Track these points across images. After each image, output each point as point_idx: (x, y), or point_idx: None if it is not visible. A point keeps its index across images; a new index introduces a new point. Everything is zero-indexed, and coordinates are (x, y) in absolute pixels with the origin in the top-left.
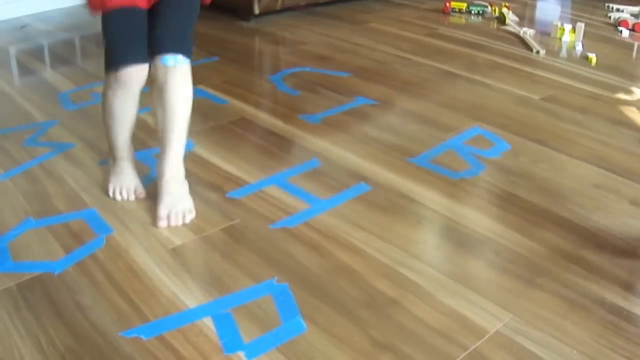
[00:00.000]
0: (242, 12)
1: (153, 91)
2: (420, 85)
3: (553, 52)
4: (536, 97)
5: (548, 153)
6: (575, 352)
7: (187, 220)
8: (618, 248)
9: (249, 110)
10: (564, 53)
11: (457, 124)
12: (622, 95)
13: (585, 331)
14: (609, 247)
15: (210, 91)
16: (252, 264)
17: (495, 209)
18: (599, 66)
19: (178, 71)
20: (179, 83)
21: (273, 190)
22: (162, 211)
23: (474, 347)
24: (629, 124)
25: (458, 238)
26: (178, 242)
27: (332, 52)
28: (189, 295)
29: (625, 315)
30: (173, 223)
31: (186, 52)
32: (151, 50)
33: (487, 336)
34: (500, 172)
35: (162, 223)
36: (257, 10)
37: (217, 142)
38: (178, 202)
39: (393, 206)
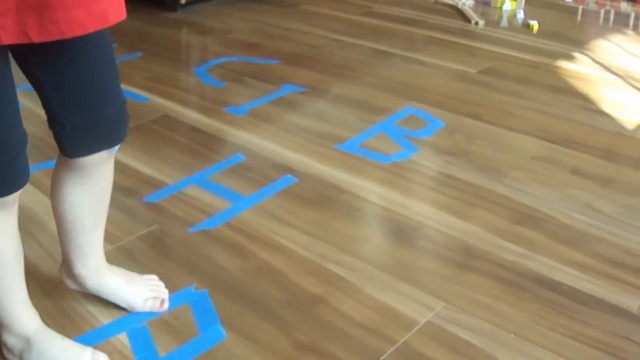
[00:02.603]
0: (169, 2)
1: (62, 176)
2: (353, 68)
3: (493, 22)
4: (473, 71)
5: (484, 128)
6: (512, 336)
7: (167, 296)
8: (558, 221)
9: (172, 106)
10: (504, 22)
11: (390, 106)
12: (564, 62)
13: (524, 312)
14: (548, 221)
15: (131, 89)
16: (170, 272)
17: (428, 192)
18: (540, 33)
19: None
20: (106, 160)
21: (193, 191)
22: (150, 297)
23: (403, 340)
24: (570, 91)
25: (389, 226)
26: None
27: (261, 39)
28: (103, 312)
29: (566, 292)
30: (167, 295)
31: None
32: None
33: (417, 327)
34: (433, 152)
35: (166, 304)
36: (183, 0)
37: (136, 143)
38: (139, 280)
39: (320, 198)
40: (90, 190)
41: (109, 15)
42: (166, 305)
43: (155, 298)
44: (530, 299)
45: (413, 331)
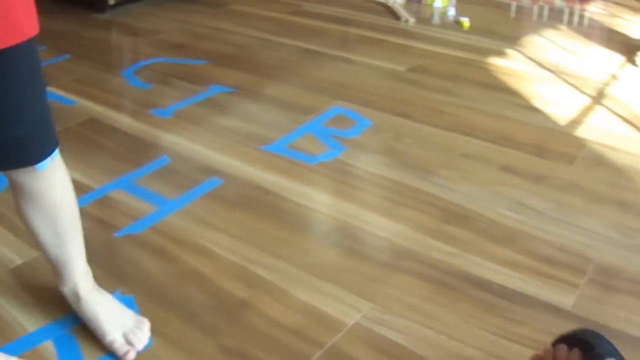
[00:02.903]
0: (97, 3)
1: (15, 196)
2: (281, 68)
3: (424, 20)
4: (402, 69)
5: (413, 126)
6: (442, 336)
7: (148, 334)
8: (488, 219)
9: (98, 109)
10: (436, 20)
11: (318, 105)
12: (495, 59)
13: (453, 312)
14: (478, 219)
15: (58, 92)
16: (96, 278)
17: (355, 192)
18: (472, 30)
19: (54, 163)
20: (40, 177)
21: (119, 195)
22: (119, 339)
23: (331, 343)
24: (501, 87)
25: (316, 227)
26: (18, 261)
27: (189, 40)
28: (29, 319)
29: (497, 291)
30: (140, 346)
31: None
32: None
33: (344, 330)
34: (361, 152)
35: (131, 355)
36: (112, 1)
37: (61, 147)
38: (121, 317)
39: (245, 200)
40: (38, 209)
41: (25, 28)
42: (131, 357)
43: (123, 345)
44: (460, 298)
45: (341, 334)
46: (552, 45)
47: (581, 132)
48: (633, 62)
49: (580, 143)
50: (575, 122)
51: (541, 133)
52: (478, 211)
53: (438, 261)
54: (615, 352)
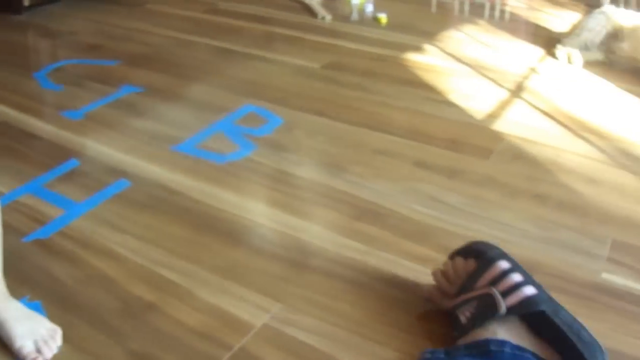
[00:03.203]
0: (13, 4)
1: None
2: (194, 67)
3: (342, 17)
4: (317, 66)
5: (326, 123)
6: (353, 335)
7: (60, 342)
8: (400, 215)
9: (10, 113)
10: (355, 16)
11: (229, 104)
12: (412, 54)
13: (364, 311)
14: (390, 215)
15: None
16: None
17: (265, 190)
18: (390, 26)
19: None
20: None
21: (28, 199)
22: (28, 345)
23: (239, 345)
24: (417, 82)
25: (223, 228)
26: None
27: (103, 40)
28: None
29: (410, 288)
30: (49, 355)
31: None
32: None
33: (253, 331)
34: (271, 150)
35: None
36: (27, 2)
37: None
38: (33, 324)
39: (153, 201)
40: None
41: None
42: None
43: (32, 351)
44: (372, 296)
45: (249, 335)
46: (471, 40)
47: (498, 125)
48: (553, 55)
49: (498, 137)
50: (493, 116)
51: (457, 128)
52: (391, 207)
53: (348, 259)
54: (504, 255)
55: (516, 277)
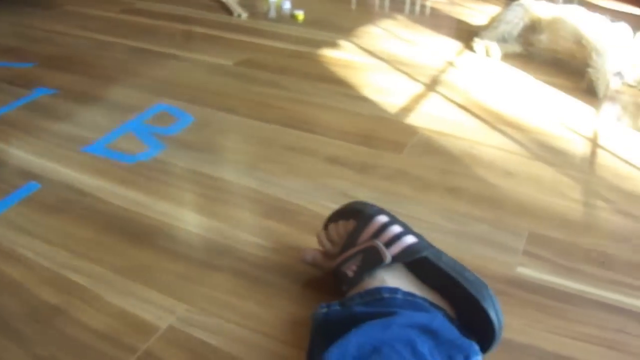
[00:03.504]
0: None
1: None
2: (109, 67)
3: (259, 14)
4: (230, 64)
5: (238, 121)
6: (259, 335)
7: None
8: (310, 212)
9: None
10: (272, 13)
11: (141, 103)
12: (327, 50)
13: (271, 309)
14: (300, 212)
15: None
16: None
17: (172, 190)
18: (307, 23)
19: None
20: None
21: None
22: None
23: (144, 348)
24: (331, 78)
25: (129, 228)
26: None
27: (20, 42)
28: None
29: (316, 285)
30: None
31: None
32: None
33: (158, 333)
34: (181, 149)
35: None
36: None
37: None
38: None
39: (61, 203)
40: None
41: None
42: None
43: None
44: (278, 294)
45: (154, 337)
46: (389, 35)
47: (413, 119)
48: (471, 49)
49: (412, 131)
50: (407, 110)
51: (370, 123)
52: (301, 204)
53: (256, 257)
54: (382, 210)
55: (396, 229)
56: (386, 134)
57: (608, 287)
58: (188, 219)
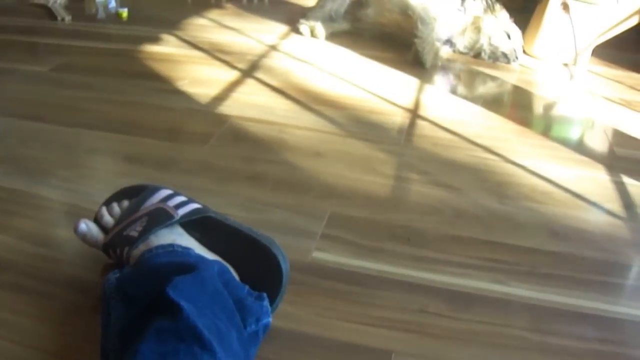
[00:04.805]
0: None
1: None
2: None
3: (85, 17)
4: (45, 70)
5: (43, 128)
6: (30, 350)
7: None
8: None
9: None
10: (100, 14)
11: None
12: (148, 46)
13: (46, 322)
14: (90, 217)
15: None
16: None
17: None
18: (131, 20)
19: None
20: None
21: None
22: None
23: None
24: (146, 74)
25: None
26: None
27: None
28: None
29: (92, 292)
30: None
31: None
32: None
33: None
34: None
35: None
36: None
37: None
38: None
39: None
40: None
41: None
42: None
43: None
44: (55, 306)
45: None
46: (215, 25)
47: (223, 109)
48: (297, 31)
49: (220, 120)
50: (219, 100)
51: (179, 116)
52: (93, 208)
53: (38, 269)
54: (166, 186)
55: (182, 197)
56: (194, 127)
57: (411, 265)
58: None
